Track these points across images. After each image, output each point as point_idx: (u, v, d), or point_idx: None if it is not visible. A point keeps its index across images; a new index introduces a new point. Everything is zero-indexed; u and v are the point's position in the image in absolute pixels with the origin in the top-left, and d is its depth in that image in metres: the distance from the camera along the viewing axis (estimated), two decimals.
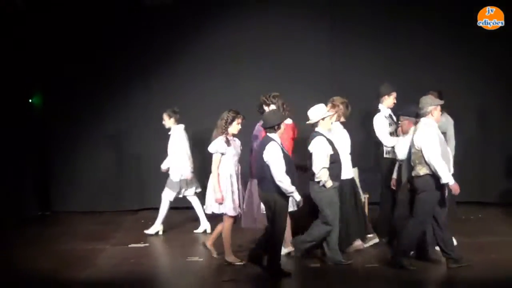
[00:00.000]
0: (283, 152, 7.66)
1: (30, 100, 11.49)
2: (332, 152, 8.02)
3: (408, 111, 8.54)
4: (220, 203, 8.14)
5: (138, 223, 10.91)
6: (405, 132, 8.54)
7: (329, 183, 7.95)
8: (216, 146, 8.17)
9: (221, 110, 10.58)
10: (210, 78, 11.54)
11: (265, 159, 7.61)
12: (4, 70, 10.72)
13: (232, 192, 8.22)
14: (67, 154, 11.36)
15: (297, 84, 11.24)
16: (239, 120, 8.38)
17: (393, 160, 8.97)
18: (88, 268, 8.53)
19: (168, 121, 9.90)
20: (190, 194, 9.99)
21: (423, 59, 11.52)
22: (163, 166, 10.00)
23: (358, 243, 8.76)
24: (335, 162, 8.16)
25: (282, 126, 7.82)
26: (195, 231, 10.12)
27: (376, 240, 8.89)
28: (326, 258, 8.15)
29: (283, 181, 7.54)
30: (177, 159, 9.86)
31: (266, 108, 8.74)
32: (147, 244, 9.59)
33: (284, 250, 8.51)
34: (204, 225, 10.01)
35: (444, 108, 8.84)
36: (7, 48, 10.75)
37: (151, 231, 9.90)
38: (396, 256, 7.92)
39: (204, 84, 11.48)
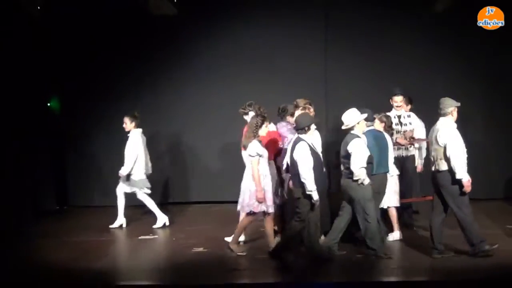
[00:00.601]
0: (313, 151, 7.89)
1: (48, 104, 11.53)
2: (369, 153, 8.21)
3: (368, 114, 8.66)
4: (261, 202, 8.25)
5: (147, 217, 10.97)
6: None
7: (367, 181, 8.10)
8: (255, 149, 8.26)
9: (222, 111, 10.99)
10: (211, 82, 11.62)
11: (295, 157, 7.86)
12: (25, 77, 10.77)
13: (267, 191, 8.35)
14: (82, 153, 11.44)
15: (293, 89, 11.18)
16: (267, 123, 8.51)
17: None
18: (102, 258, 8.69)
19: (129, 125, 10.00)
20: (146, 192, 10.12)
21: (417, 63, 11.60)
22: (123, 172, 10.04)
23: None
24: (370, 163, 8.32)
25: (312, 127, 8.04)
26: (153, 226, 10.19)
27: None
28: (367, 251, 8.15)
29: (307, 178, 7.75)
30: (136, 160, 9.99)
31: (245, 117, 9.00)
32: (155, 236, 9.74)
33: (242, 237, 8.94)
34: (162, 219, 10.18)
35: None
36: (28, 57, 10.82)
37: (113, 225, 10.07)
38: (473, 247, 7.95)
39: (206, 87, 11.56)
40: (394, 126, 9.55)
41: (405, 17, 11.45)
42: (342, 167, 8.46)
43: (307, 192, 7.79)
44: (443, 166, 7.99)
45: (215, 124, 11.56)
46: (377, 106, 9.41)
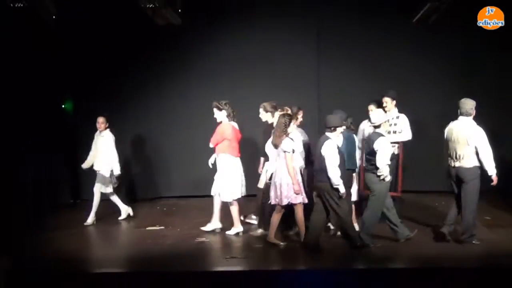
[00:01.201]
0: (339, 150, 8.19)
1: (63, 105, 11.60)
2: (392, 151, 8.52)
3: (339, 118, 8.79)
4: (298, 194, 8.43)
5: (154, 209, 11.25)
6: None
7: (388, 178, 8.35)
8: (289, 145, 8.47)
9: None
10: (214, 86, 11.67)
11: (322, 153, 8.10)
12: (42, 81, 10.87)
13: (300, 183, 8.59)
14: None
15: (288, 91, 11.40)
16: (294, 121, 8.82)
17: None
18: (113, 247, 9.09)
19: (103, 126, 10.04)
20: (111, 189, 10.21)
21: (404, 68, 11.73)
22: (85, 166, 10.17)
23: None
24: (391, 160, 8.60)
25: (339, 129, 8.32)
26: (119, 218, 10.39)
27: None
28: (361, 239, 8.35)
29: (334, 173, 8.04)
30: (109, 158, 10.07)
31: (218, 112, 9.37)
32: (162, 227, 9.86)
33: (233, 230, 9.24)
34: (125, 211, 10.42)
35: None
36: (44, 62, 10.92)
37: (88, 222, 10.04)
38: (465, 237, 8.36)
39: (208, 91, 11.52)
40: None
41: (392, 26, 11.52)
42: (365, 163, 8.72)
43: (334, 186, 8.05)
44: (471, 163, 8.31)
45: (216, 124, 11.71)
46: (366, 109, 9.60)
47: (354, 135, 9.16)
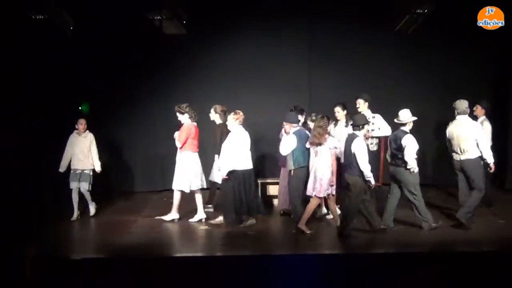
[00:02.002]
0: (366, 146, 8.40)
1: (80, 107, 11.47)
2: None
3: (290, 117, 9.16)
4: (332, 186, 8.77)
5: (161, 201, 11.21)
6: (287, 133, 9.12)
7: (416, 169, 8.53)
8: (333, 143, 8.79)
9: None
10: (215, 91, 11.66)
11: (352, 150, 8.23)
12: (60, 85, 10.87)
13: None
14: (107, 147, 11.17)
15: (281, 96, 11.57)
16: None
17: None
18: (125, 234, 9.13)
19: (85, 128, 9.92)
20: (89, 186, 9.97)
21: (387, 74, 11.82)
22: (63, 169, 9.84)
23: (251, 220, 9.33)
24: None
25: (366, 127, 8.53)
26: (91, 214, 10.13)
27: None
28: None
29: (366, 168, 8.21)
30: (96, 157, 9.99)
31: (180, 115, 9.57)
32: (161, 217, 9.82)
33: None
34: (94, 207, 10.13)
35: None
36: (62, 67, 10.92)
37: (74, 218, 9.85)
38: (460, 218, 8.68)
39: (209, 95, 11.47)
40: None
41: (377, 36, 11.61)
42: (390, 158, 8.90)
43: (366, 179, 8.23)
44: (474, 154, 8.70)
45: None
46: (355, 111, 9.70)
47: (308, 132, 9.22)
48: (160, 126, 11.79)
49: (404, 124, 8.69)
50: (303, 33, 12.02)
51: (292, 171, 9.05)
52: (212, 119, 9.89)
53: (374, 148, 9.70)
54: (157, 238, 8.94)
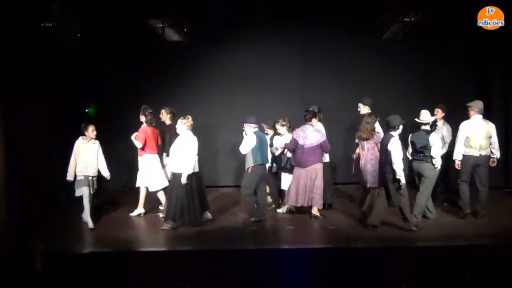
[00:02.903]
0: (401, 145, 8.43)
1: (86, 110, 11.62)
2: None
3: (249, 119, 9.26)
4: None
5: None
6: (246, 133, 9.23)
7: (439, 166, 8.67)
8: (379, 138, 8.94)
9: (222, 116, 11.09)
10: (214, 94, 11.96)
11: (389, 149, 8.26)
12: (68, 88, 10.92)
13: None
14: (111, 148, 10.88)
15: (276, 100, 11.69)
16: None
17: None
18: (129, 229, 9.22)
19: (95, 134, 9.38)
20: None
21: (376, 78, 11.86)
22: (71, 177, 9.25)
23: (208, 215, 9.36)
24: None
25: (401, 126, 8.52)
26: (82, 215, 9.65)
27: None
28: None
29: (398, 166, 8.21)
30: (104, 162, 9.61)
31: (142, 117, 9.69)
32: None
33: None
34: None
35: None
36: (70, 72, 10.98)
37: (92, 226, 9.23)
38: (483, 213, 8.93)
39: (209, 98, 11.90)
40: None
41: (366, 43, 11.65)
42: (410, 154, 8.91)
43: (397, 177, 8.20)
44: (489, 151, 8.96)
45: (217, 127, 11.85)
46: (345, 113, 10.08)
47: (266, 135, 9.49)
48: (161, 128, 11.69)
49: (425, 124, 8.78)
50: (297, 40, 12.13)
51: (250, 168, 9.16)
52: (162, 120, 9.97)
53: None
54: (157, 232, 8.93)
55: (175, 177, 8.88)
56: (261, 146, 9.20)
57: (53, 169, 10.40)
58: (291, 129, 9.71)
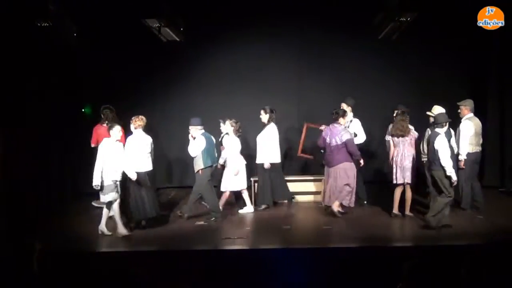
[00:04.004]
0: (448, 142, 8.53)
1: (83, 110, 11.64)
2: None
3: (194, 121, 9.35)
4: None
5: (165, 197, 11.41)
6: (193, 136, 9.31)
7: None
8: (415, 135, 9.24)
9: (219, 116, 11.11)
10: (212, 94, 11.99)
11: (436, 147, 8.33)
12: (66, 90, 11.00)
13: None
14: None
15: (273, 99, 11.51)
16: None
17: None
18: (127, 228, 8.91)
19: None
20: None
21: (370, 80, 11.95)
22: (99, 182, 8.65)
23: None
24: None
25: (447, 123, 8.59)
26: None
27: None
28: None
29: (448, 163, 8.30)
30: None
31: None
32: (166, 213, 9.89)
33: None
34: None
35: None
36: (67, 71, 10.99)
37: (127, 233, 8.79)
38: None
39: (207, 98, 11.93)
40: None
41: (363, 43, 11.67)
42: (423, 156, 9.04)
43: (448, 174, 8.27)
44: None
45: (216, 126, 11.12)
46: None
47: (212, 136, 9.54)
48: (159, 127, 11.85)
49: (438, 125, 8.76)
50: (294, 41, 12.15)
51: (201, 171, 9.27)
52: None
53: None
54: (157, 232, 8.98)
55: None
56: (209, 147, 9.33)
57: (52, 169, 10.52)
58: (238, 132, 9.81)
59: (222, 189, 9.89)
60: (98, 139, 9.79)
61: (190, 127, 9.35)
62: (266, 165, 9.99)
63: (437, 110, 9.15)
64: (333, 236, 8.62)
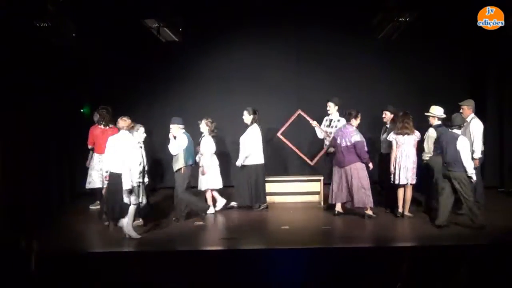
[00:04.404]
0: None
1: (81, 110, 11.63)
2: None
3: (176, 120, 9.33)
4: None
5: (158, 197, 11.29)
6: (175, 135, 9.28)
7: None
8: (418, 135, 9.28)
9: (219, 115, 10.98)
10: (209, 94, 11.99)
11: (458, 148, 8.38)
12: (64, 89, 10.89)
13: None
14: None
15: (272, 98, 11.77)
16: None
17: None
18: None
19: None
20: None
21: (367, 79, 11.94)
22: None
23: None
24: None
25: (328, 129, 8.81)
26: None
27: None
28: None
29: (470, 164, 8.38)
30: None
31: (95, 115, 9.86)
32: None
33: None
34: None
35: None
36: (65, 73, 10.94)
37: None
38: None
39: (206, 98, 11.91)
40: (325, 127, 10.18)
41: (362, 42, 11.66)
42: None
43: (469, 175, 8.34)
44: None
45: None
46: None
47: (188, 134, 9.47)
48: (158, 128, 11.64)
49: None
50: (292, 40, 12.15)
51: (183, 169, 9.25)
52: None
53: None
54: (156, 233, 8.97)
55: (112, 176, 8.63)
56: (190, 146, 9.36)
57: (50, 169, 10.41)
58: (213, 132, 9.77)
59: (202, 188, 9.91)
60: (94, 140, 9.95)
61: (172, 126, 9.38)
62: (238, 164, 10.02)
63: (437, 110, 9.16)
64: (332, 236, 8.66)
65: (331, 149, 9.91)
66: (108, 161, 8.68)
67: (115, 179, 8.44)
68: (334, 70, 12.05)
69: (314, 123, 10.14)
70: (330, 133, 10.03)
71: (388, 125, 10.08)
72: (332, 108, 10.08)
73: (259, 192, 10.08)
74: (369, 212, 9.37)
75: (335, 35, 11.86)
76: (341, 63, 12.02)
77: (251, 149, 9.98)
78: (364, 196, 9.25)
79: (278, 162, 11.87)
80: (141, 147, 8.97)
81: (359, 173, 9.29)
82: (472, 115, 9.29)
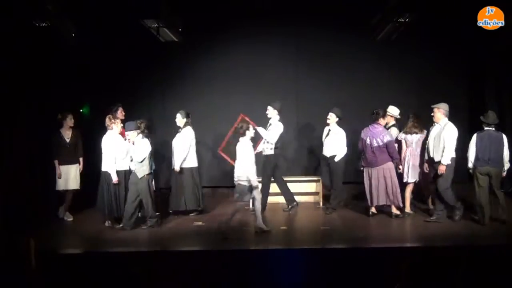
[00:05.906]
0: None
1: (81, 110, 11.61)
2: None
3: (130, 126, 8.96)
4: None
5: (157, 198, 10.66)
6: (132, 141, 9.00)
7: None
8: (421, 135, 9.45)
9: (219, 115, 11.09)
10: (209, 93, 11.98)
11: (501, 146, 8.66)
12: (64, 89, 10.87)
13: None
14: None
15: (271, 98, 10.92)
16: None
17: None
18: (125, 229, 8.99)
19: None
20: None
21: (365, 80, 11.90)
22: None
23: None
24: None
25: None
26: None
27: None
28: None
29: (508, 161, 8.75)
30: None
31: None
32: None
33: None
34: None
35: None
36: (65, 71, 10.92)
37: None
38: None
39: (205, 98, 11.90)
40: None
41: (361, 43, 11.67)
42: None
43: (504, 173, 8.82)
44: None
45: (213, 125, 11.74)
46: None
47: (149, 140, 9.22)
48: (157, 128, 11.81)
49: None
50: (291, 41, 12.15)
51: (146, 176, 9.03)
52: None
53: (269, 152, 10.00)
54: (154, 232, 8.98)
55: (105, 175, 8.82)
56: (151, 151, 9.16)
57: (49, 169, 10.29)
58: (144, 134, 9.18)
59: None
60: None
61: (127, 133, 8.97)
62: (177, 168, 9.83)
63: (393, 110, 9.43)
64: (331, 237, 8.60)
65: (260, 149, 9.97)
66: (103, 161, 8.85)
67: (107, 178, 8.90)
68: (333, 70, 12.05)
69: (259, 129, 9.81)
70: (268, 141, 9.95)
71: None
72: (271, 111, 9.99)
73: (200, 195, 10.02)
74: (397, 211, 9.45)
75: (334, 35, 11.84)
76: (341, 63, 12.02)
77: (185, 152, 9.83)
78: (398, 195, 9.30)
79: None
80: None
81: (391, 173, 9.31)
82: (446, 120, 9.03)
